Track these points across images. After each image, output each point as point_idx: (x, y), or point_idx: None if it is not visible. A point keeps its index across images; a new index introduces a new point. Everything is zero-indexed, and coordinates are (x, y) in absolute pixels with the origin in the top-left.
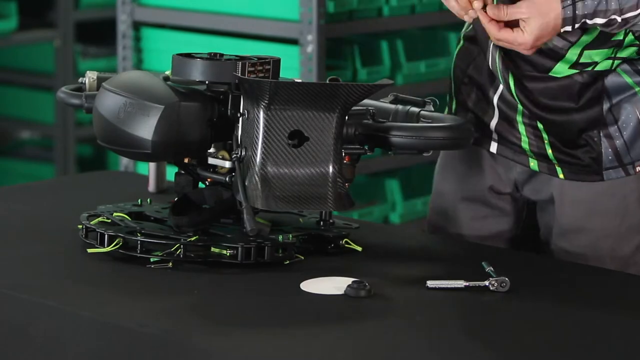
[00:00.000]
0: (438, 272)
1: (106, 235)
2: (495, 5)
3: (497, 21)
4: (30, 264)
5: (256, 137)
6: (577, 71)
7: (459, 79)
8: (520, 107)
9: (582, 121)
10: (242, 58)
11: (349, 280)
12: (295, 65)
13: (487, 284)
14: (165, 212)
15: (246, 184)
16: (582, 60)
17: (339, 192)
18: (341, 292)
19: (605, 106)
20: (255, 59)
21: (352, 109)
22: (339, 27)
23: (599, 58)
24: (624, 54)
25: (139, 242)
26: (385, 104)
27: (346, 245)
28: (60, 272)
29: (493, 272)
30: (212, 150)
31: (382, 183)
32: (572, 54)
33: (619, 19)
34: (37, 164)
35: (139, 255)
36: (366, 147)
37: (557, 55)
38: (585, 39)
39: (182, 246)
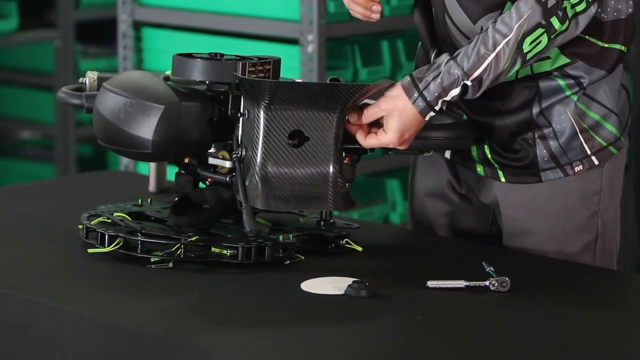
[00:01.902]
0: (438, 272)
1: (106, 235)
2: (355, 112)
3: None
4: (30, 264)
5: (256, 137)
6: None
7: None
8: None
9: (514, 124)
10: (242, 58)
11: (349, 280)
12: (296, 65)
13: (487, 284)
14: (165, 212)
15: (246, 184)
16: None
17: (339, 192)
18: (341, 292)
19: (536, 109)
20: (256, 59)
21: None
22: (339, 27)
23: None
24: (559, 62)
25: (139, 242)
26: None
27: (346, 245)
28: (60, 272)
29: (493, 272)
30: (212, 150)
31: (382, 183)
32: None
33: (468, 82)
34: (37, 164)
35: (139, 255)
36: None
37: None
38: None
39: (182, 246)
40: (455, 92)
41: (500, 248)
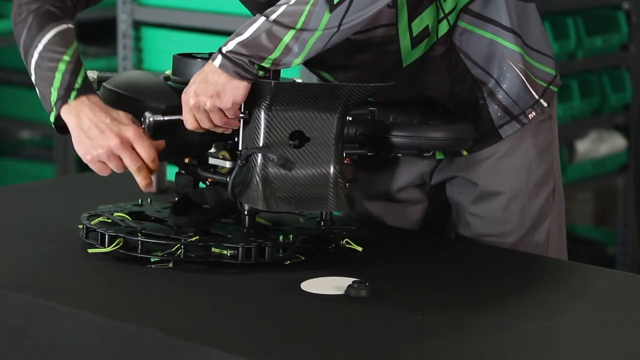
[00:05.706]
0: (438, 272)
1: (107, 236)
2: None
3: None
4: (30, 263)
5: (257, 137)
6: (424, 47)
7: None
8: None
9: (461, 88)
10: None
11: (349, 280)
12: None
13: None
14: (165, 212)
15: (247, 184)
16: (416, 33)
17: (340, 192)
18: (341, 292)
19: (471, 66)
20: None
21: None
22: None
23: (429, 21)
24: (449, 4)
25: (139, 242)
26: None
27: (347, 245)
28: (60, 272)
29: None
30: (212, 150)
31: None
32: (403, 35)
33: (270, 19)
34: (37, 164)
35: (139, 255)
36: (366, 150)
37: (393, 47)
38: (402, 14)
39: (182, 246)
40: (252, 30)
41: (499, 248)
